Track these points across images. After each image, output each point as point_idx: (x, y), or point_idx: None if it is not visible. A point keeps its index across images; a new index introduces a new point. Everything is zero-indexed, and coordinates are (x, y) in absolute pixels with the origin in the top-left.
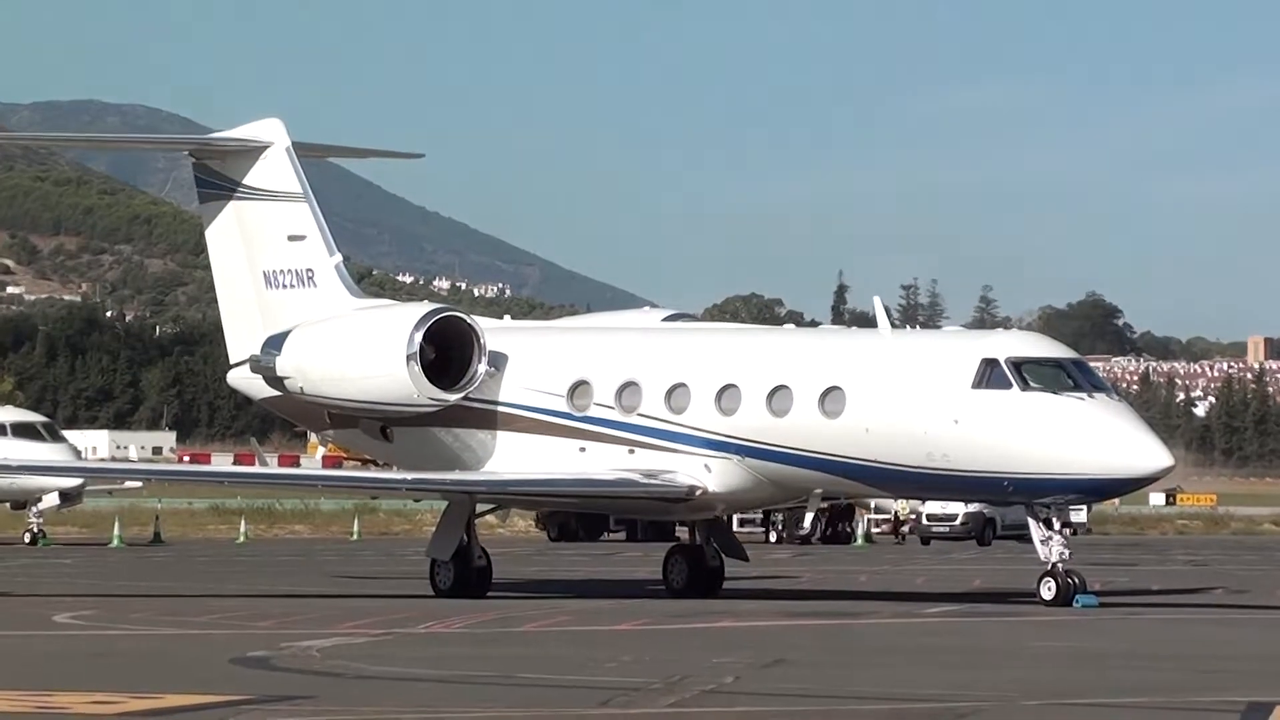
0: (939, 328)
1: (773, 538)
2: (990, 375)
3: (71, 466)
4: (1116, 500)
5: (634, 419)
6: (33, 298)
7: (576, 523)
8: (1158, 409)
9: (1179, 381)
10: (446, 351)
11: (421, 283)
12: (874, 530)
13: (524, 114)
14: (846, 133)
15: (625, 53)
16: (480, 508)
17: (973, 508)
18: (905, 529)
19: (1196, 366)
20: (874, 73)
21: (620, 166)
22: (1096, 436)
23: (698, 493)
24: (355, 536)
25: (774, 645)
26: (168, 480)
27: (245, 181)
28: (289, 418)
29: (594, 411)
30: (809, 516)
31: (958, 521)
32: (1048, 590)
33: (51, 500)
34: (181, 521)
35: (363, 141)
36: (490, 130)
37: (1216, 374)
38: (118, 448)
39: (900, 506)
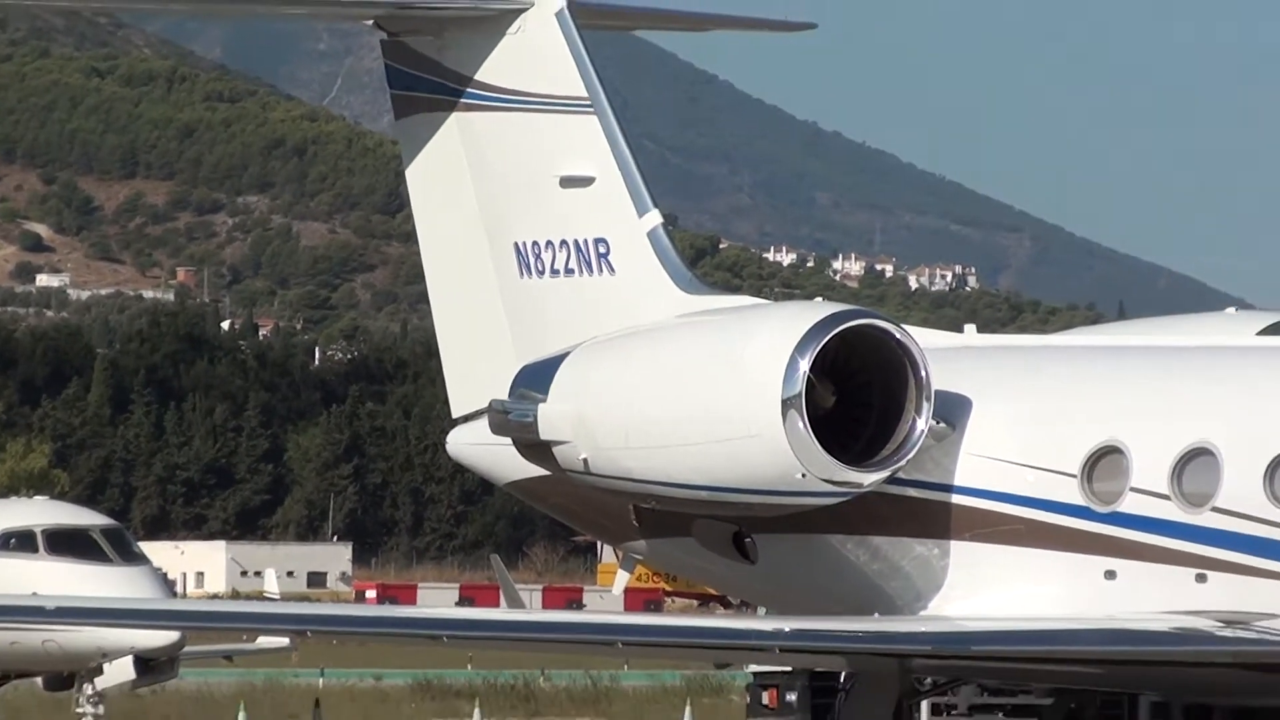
0: None
1: None
2: None
3: (157, 609)
4: None
5: (1205, 519)
6: (85, 294)
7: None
8: None
9: None
10: (856, 394)
11: (812, 264)
12: None
13: None
14: None
15: None
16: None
17: None
18: None
19: None
20: None
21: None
22: None
23: None
24: None
25: None
26: (337, 635)
27: (480, 77)
28: (560, 516)
29: (1130, 505)
30: None
31: None
32: None
33: (121, 672)
34: (365, 711)
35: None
36: None
37: None
38: (242, 573)
39: None
